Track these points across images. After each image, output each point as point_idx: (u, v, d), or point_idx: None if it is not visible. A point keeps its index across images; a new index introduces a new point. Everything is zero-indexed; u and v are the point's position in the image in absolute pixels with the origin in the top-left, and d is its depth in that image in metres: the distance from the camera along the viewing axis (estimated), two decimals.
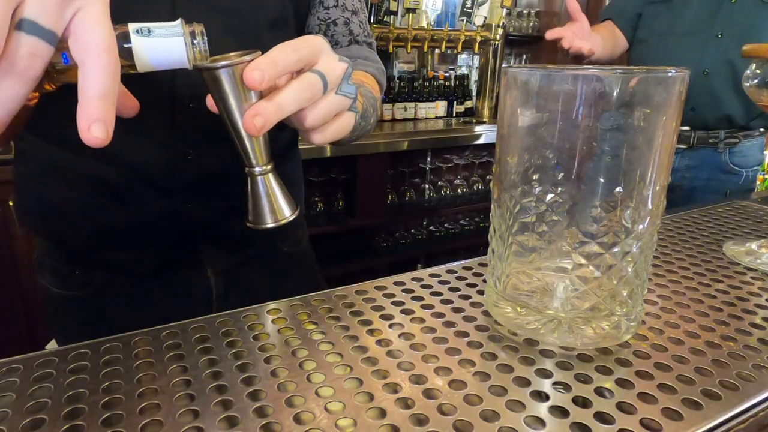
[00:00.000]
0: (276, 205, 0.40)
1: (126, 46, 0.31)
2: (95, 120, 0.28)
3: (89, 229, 0.59)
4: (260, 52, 0.35)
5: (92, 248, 0.61)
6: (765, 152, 1.47)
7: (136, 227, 0.59)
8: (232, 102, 0.35)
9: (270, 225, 0.40)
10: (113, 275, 0.62)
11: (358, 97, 0.43)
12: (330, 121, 0.40)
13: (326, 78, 0.38)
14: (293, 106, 0.36)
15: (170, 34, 0.32)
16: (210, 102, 0.37)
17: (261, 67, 0.34)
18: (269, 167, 0.39)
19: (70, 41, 0.28)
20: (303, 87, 0.36)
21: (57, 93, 0.52)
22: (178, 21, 0.32)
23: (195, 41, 0.33)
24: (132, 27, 0.31)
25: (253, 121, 0.34)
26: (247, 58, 0.34)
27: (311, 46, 0.37)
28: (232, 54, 0.37)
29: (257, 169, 0.39)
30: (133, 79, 0.33)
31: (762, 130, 1.38)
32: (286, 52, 0.35)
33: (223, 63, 0.34)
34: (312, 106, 0.38)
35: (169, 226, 0.60)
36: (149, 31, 0.31)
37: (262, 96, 0.36)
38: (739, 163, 1.38)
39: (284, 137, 0.68)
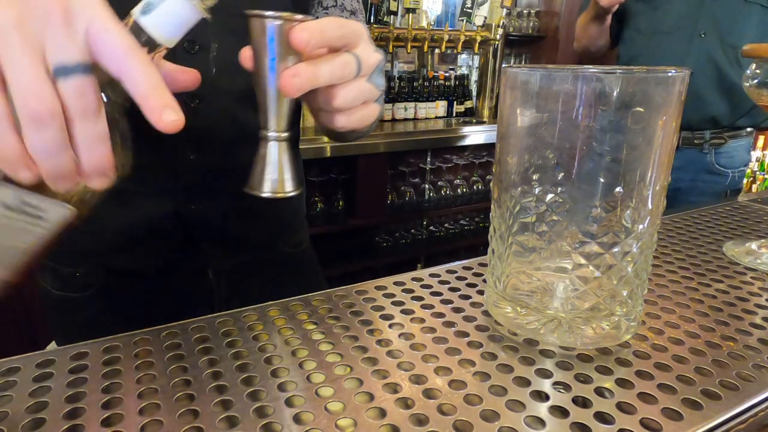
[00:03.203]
0: (280, 175, 0.39)
1: (142, 32, 0.31)
2: (161, 107, 0.29)
3: (90, 229, 0.59)
4: (311, 17, 0.35)
5: (94, 249, 0.61)
6: (752, 152, 1.45)
7: (138, 228, 0.59)
8: (272, 58, 0.35)
9: (267, 194, 0.38)
10: (115, 277, 0.62)
11: None
12: (357, 107, 0.40)
13: (361, 63, 0.38)
14: (327, 78, 0.36)
15: None
16: (246, 55, 0.36)
17: (309, 29, 0.34)
18: (284, 135, 0.38)
19: (97, 59, 0.29)
20: (339, 64, 0.37)
21: None
22: None
23: None
24: (136, 11, 0.31)
25: (292, 80, 0.34)
26: (298, 17, 0.34)
27: (355, 28, 0.38)
28: (283, 13, 0.36)
29: (272, 134, 0.38)
30: None
31: (749, 129, 1.36)
32: (333, 25, 0.36)
33: (275, 14, 0.34)
34: (343, 85, 0.38)
35: (171, 227, 0.60)
36: (150, 6, 0.31)
37: (299, 61, 0.36)
38: (725, 164, 1.36)
39: None
